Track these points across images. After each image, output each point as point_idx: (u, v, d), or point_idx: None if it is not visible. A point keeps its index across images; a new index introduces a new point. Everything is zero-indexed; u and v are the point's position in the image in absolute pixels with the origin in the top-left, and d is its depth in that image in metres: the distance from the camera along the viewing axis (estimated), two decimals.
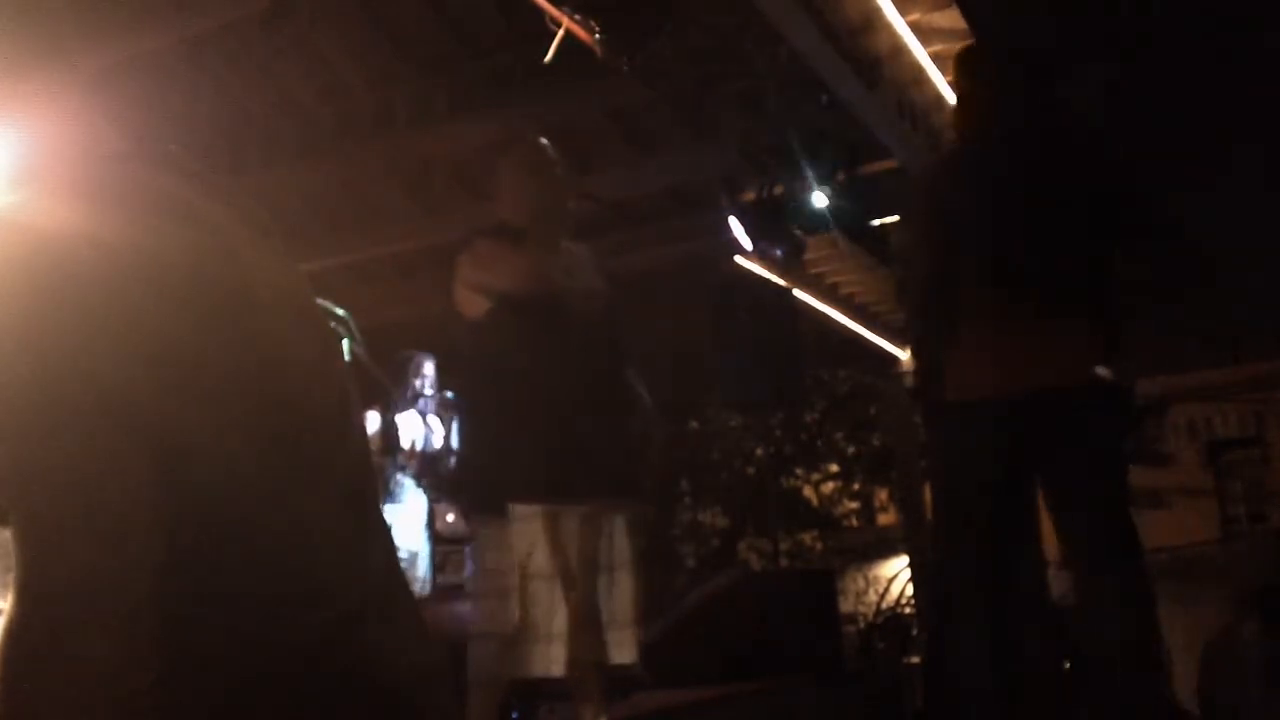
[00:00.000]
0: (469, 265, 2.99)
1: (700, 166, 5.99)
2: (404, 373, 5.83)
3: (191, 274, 1.22)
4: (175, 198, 1.28)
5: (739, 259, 6.48)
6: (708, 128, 5.35)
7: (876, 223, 5.83)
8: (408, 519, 5.63)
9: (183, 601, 1.11)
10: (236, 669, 1.11)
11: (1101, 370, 2.89)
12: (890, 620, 7.48)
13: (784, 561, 13.50)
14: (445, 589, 5.56)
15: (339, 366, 1.46)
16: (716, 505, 16.31)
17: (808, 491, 17.19)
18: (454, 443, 5.73)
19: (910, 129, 5.48)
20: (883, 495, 17.77)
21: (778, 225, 5.66)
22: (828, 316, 7.81)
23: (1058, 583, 4.26)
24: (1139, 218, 3.07)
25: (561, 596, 2.80)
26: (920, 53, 5.16)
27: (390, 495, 5.63)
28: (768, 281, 6.78)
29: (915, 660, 6.21)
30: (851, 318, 8.04)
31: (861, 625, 8.30)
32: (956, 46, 4.57)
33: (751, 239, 5.73)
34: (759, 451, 14.45)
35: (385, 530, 1.35)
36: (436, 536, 5.71)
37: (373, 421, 5.63)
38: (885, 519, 17.80)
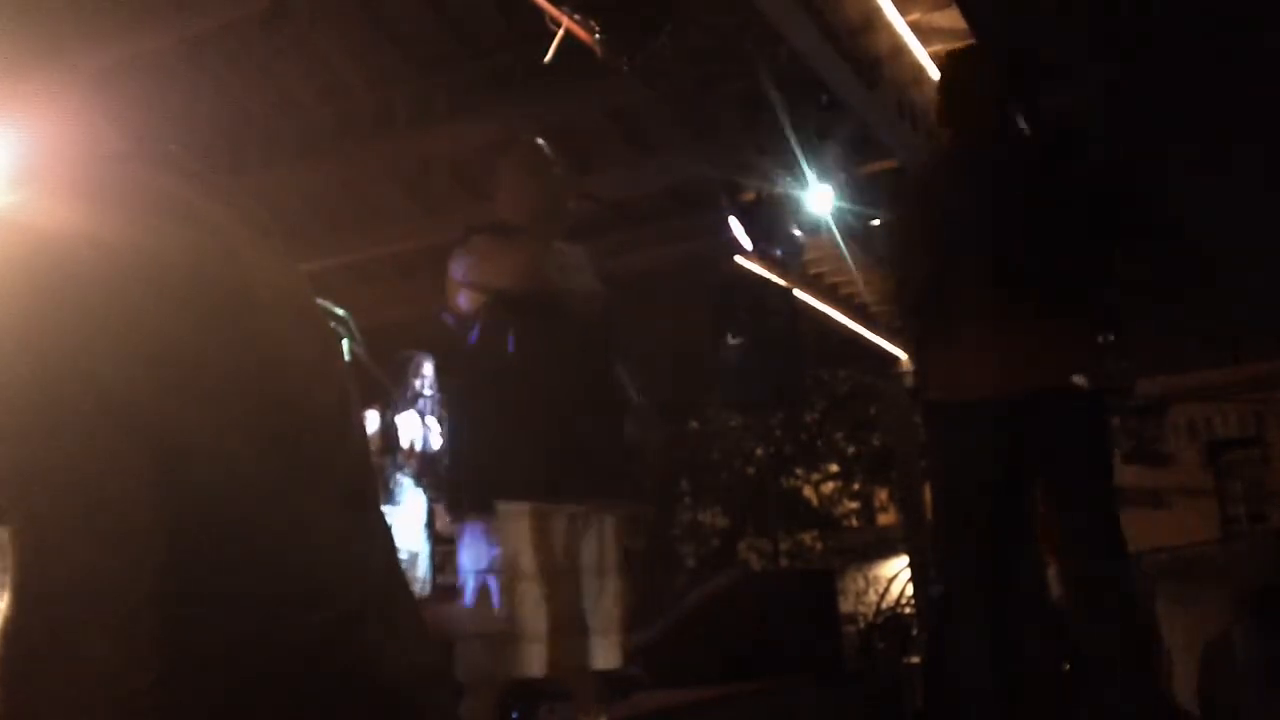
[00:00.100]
0: (464, 261, 2.98)
1: (700, 166, 5.99)
2: (404, 373, 5.83)
3: (191, 274, 1.22)
4: (175, 198, 1.28)
5: (739, 259, 6.48)
6: (708, 128, 5.35)
7: (876, 223, 5.83)
8: (407, 519, 5.63)
9: (183, 601, 1.11)
10: (236, 669, 1.11)
11: (1078, 378, 2.90)
12: (890, 620, 7.48)
13: (784, 561, 13.51)
14: (445, 589, 5.56)
15: (339, 366, 1.46)
16: (716, 505, 16.32)
17: (808, 491, 17.21)
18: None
19: (910, 129, 5.48)
20: (883, 495, 17.79)
21: (778, 225, 5.67)
22: (828, 316, 7.82)
23: (1058, 583, 4.27)
24: (1139, 218, 3.07)
25: (547, 596, 2.78)
26: (920, 53, 5.16)
27: (390, 495, 5.63)
28: (768, 281, 6.78)
29: (915, 660, 6.21)
30: (851, 318, 8.05)
31: (861, 625, 8.31)
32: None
33: (751, 239, 5.73)
34: (759, 451, 14.46)
35: (385, 530, 1.36)
36: (436, 536, 5.71)
37: (372, 421, 5.63)
38: (885, 519, 17.82)
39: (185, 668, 1.09)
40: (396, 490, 5.71)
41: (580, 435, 2.89)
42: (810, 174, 5.30)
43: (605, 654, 2.87)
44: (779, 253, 5.86)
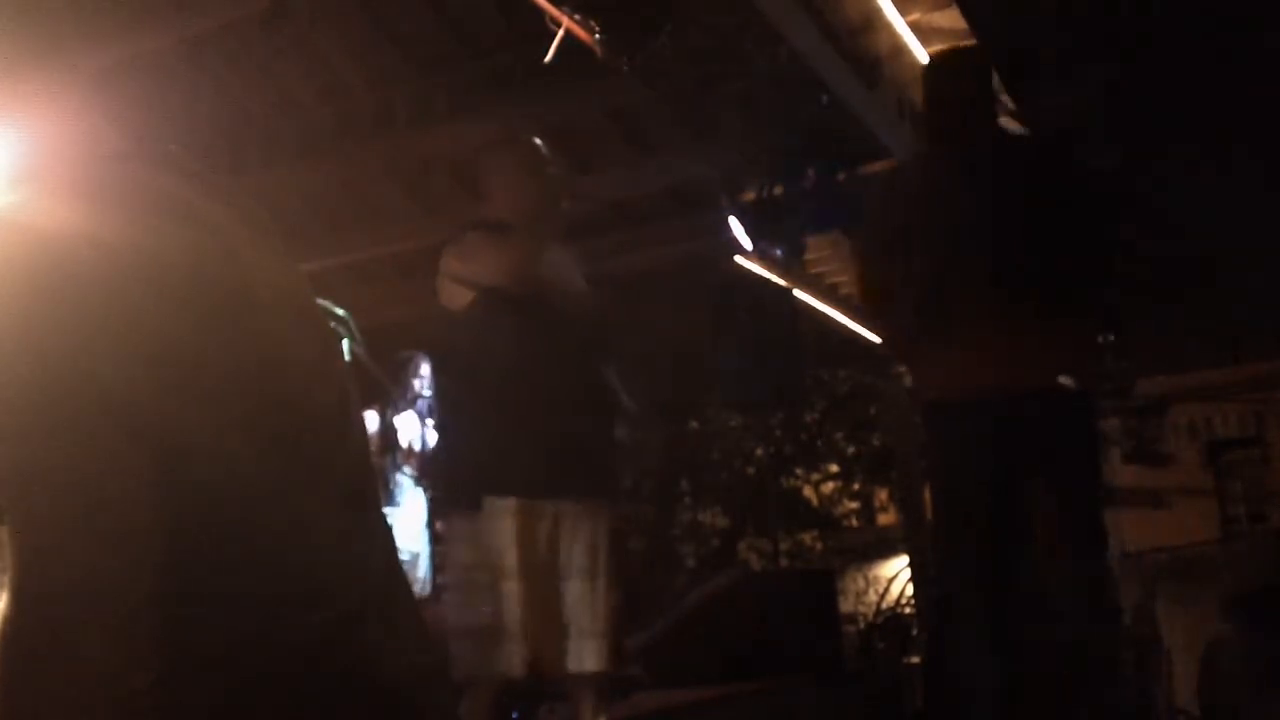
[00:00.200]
0: (455, 257, 2.98)
1: (700, 166, 5.98)
2: (403, 373, 5.83)
3: (191, 274, 1.22)
4: (175, 198, 1.28)
5: (739, 259, 6.48)
6: (708, 128, 5.34)
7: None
8: (407, 519, 5.63)
9: (183, 601, 1.11)
10: (236, 669, 1.11)
11: (1064, 379, 2.91)
12: (890, 620, 7.48)
13: (784, 561, 13.51)
14: (445, 589, 5.56)
15: (339, 366, 1.46)
16: (716, 505, 16.30)
17: (808, 491, 17.19)
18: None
19: (910, 129, 5.48)
20: (883, 495, 17.78)
21: (778, 225, 5.67)
22: (828, 316, 7.81)
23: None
24: (1138, 219, 3.08)
25: (532, 594, 2.78)
26: (920, 53, 5.16)
27: (390, 495, 5.63)
28: (768, 281, 6.78)
29: (915, 660, 6.21)
30: (851, 318, 8.04)
31: (861, 625, 8.31)
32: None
33: (751, 239, 5.73)
34: (759, 451, 14.45)
35: (385, 530, 1.35)
36: (436, 536, 5.71)
37: (372, 421, 5.63)
38: (885, 519, 17.80)
39: (185, 668, 1.09)
40: (396, 490, 5.71)
41: (567, 435, 2.88)
42: (810, 174, 5.30)
43: (597, 656, 2.85)
44: (779, 253, 5.86)
